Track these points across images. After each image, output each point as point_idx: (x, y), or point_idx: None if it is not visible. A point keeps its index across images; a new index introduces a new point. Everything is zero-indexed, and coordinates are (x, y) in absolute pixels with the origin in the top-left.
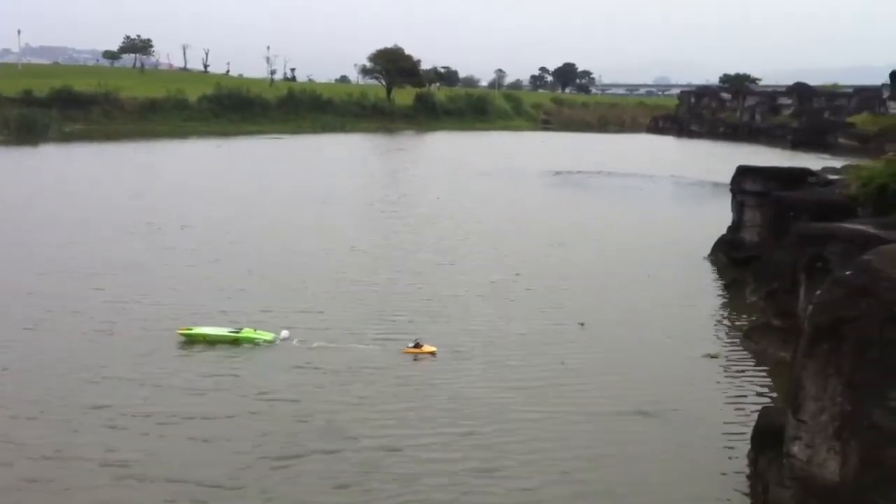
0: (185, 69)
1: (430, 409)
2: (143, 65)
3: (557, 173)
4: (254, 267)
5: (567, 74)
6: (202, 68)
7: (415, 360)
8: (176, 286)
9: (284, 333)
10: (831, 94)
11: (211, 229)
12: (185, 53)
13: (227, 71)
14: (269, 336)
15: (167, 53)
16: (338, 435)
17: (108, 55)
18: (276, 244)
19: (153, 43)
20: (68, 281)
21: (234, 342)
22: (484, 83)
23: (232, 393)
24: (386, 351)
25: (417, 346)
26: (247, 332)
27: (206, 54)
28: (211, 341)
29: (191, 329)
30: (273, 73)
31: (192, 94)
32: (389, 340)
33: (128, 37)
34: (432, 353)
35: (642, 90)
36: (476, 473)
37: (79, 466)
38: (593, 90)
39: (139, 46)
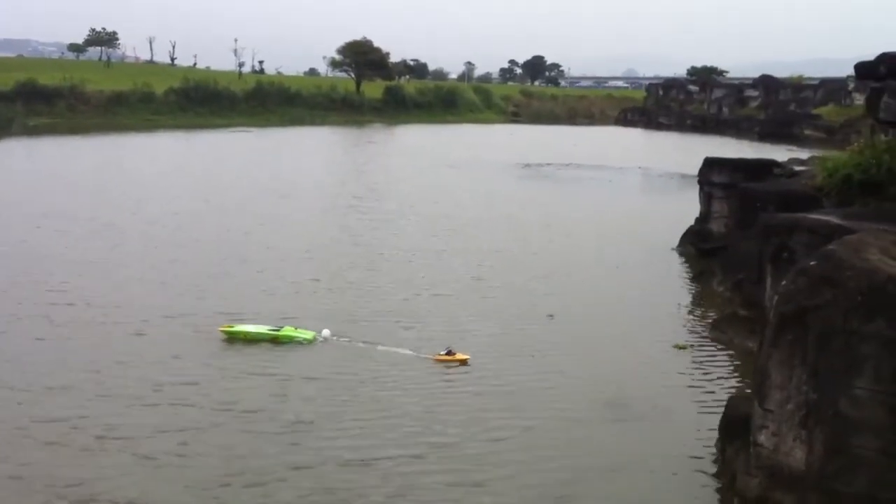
0: (151, 62)
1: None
2: (108, 58)
3: (527, 166)
4: (249, 262)
5: (536, 67)
6: (169, 61)
7: (447, 367)
8: (149, 281)
9: (325, 332)
10: (797, 86)
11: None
12: (151, 46)
13: (195, 64)
14: (309, 335)
15: (133, 46)
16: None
17: (74, 48)
18: (252, 241)
19: (119, 36)
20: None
21: (274, 340)
22: (453, 76)
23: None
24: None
25: (450, 353)
26: (287, 331)
27: (173, 47)
28: (251, 339)
29: (232, 327)
30: (241, 65)
31: (159, 88)
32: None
33: (93, 29)
34: (464, 362)
35: (611, 83)
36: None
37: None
38: (562, 83)
39: (105, 39)
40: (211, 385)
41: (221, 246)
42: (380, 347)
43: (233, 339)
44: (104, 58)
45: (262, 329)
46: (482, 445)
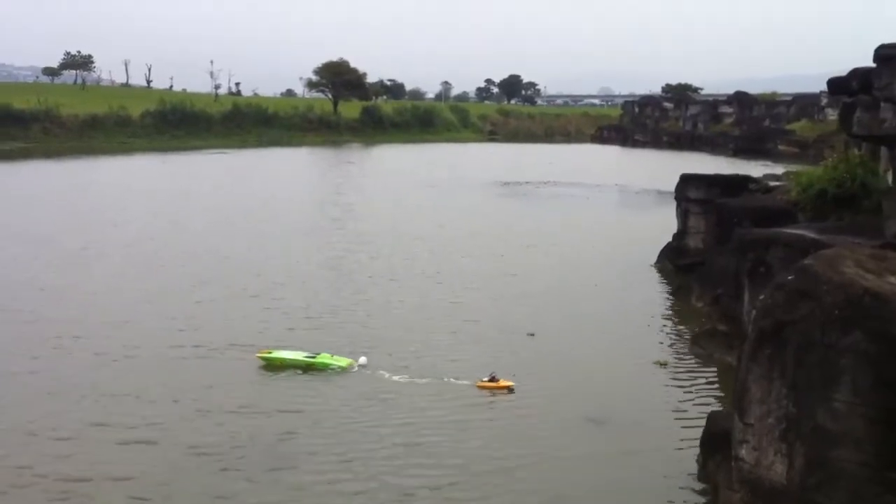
0: (127, 85)
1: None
2: (84, 81)
3: (505, 184)
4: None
5: (513, 86)
6: (145, 83)
7: (492, 395)
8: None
9: (363, 360)
10: (770, 102)
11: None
12: (126, 69)
13: (171, 86)
14: (344, 363)
15: (109, 69)
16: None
17: (48, 72)
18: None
19: (94, 58)
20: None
21: (309, 367)
22: (430, 95)
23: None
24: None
25: (493, 380)
26: (323, 358)
27: (149, 69)
28: (287, 366)
29: (270, 352)
30: (217, 87)
31: (135, 110)
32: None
33: (68, 53)
34: (509, 388)
35: (587, 100)
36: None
37: None
38: (539, 101)
39: (80, 62)
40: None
41: (202, 272)
42: (397, 377)
43: (270, 364)
44: (79, 81)
45: (298, 355)
46: (461, 464)
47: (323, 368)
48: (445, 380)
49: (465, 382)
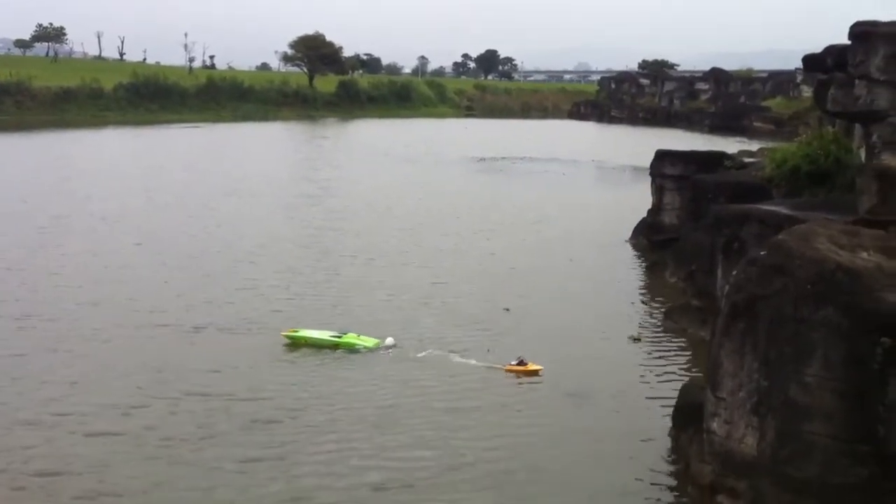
0: (100, 57)
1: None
2: (56, 53)
3: (481, 160)
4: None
5: (489, 61)
6: (118, 56)
7: (518, 378)
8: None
9: (389, 340)
10: (746, 79)
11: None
12: (99, 41)
13: (144, 59)
14: (370, 343)
15: (81, 41)
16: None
17: (20, 44)
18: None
19: (66, 31)
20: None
21: (335, 347)
22: (407, 70)
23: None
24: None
25: (521, 363)
26: (349, 338)
27: (122, 42)
28: (313, 345)
29: (296, 331)
30: (192, 60)
31: (108, 83)
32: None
33: (40, 25)
34: (536, 373)
35: (564, 76)
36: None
37: None
38: (516, 77)
39: (52, 34)
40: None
41: (174, 250)
42: (429, 352)
43: (295, 344)
44: (51, 53)
45: (324, 335)
46: (444, 441)
47: (349, 348)
48: (455, 358)
49: (471, 361)
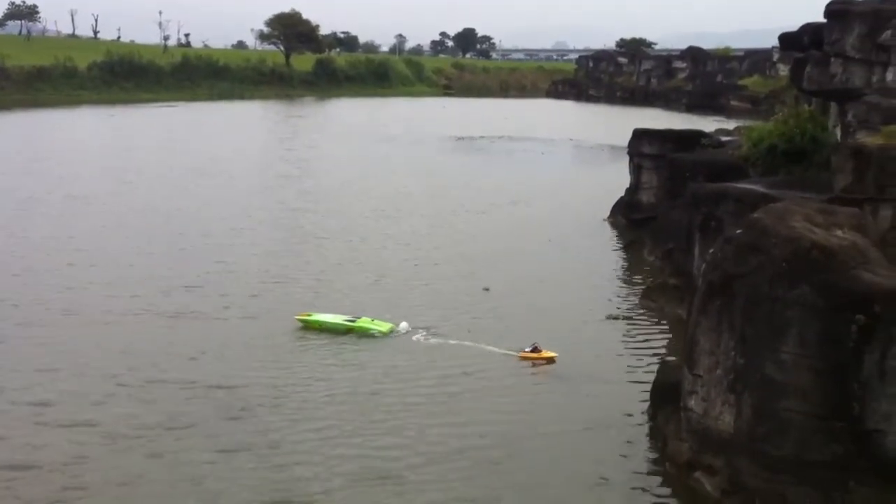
0: (73, 36)
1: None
2: (29, 32)
3: (459, 139)
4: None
5: (467, 39)
6: (92, 35)
7: (532, 366)
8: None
9: (403, 325)
10: (724, 58)
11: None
12: (73, 19)
13: (118, 37)
14: (384, 327)
15: (54, 20)
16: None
17: None
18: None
19: (39, 9)
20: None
21: (349, 331)
22: (384, 48)
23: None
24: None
25: (536, 350)
26: (363, 322)
27: (96, 20)
28: (326, 329)
29: (309, 315)
30: (166, 39)
31: (82, 62)
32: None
33: (12, 3)
34: (551, 360)
35: (541, 55)
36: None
37: None
38: (494, 55)
39: (24, 13)
40: None
41: (146, 231)
42: (451, 342)
43: (308, 327)
44: (24, 32)
45: (338, 319)
46: (421, 420)
47: (363, 332)
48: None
49: (486, 347)
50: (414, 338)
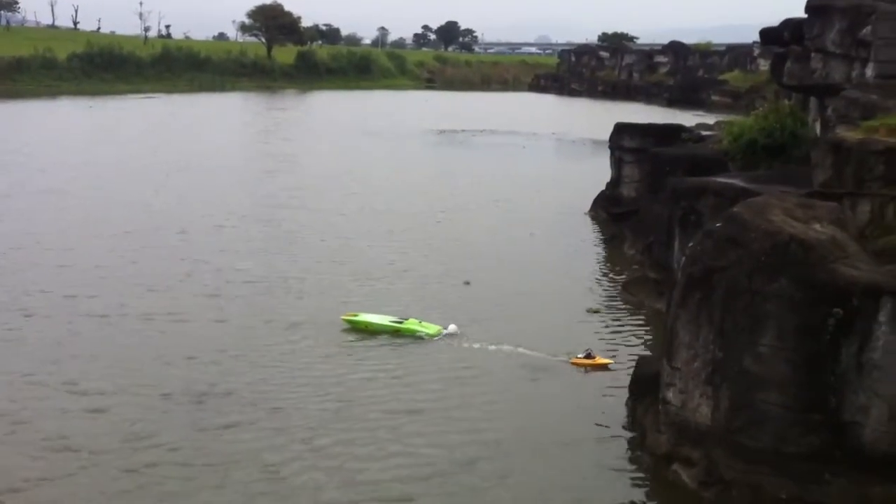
0: (53, 26)
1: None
2: (8, 22)
3: (442, 132)
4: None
5: (450, 33)
6: (72, 25)
7: (585, 372)
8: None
9: (452, 328)
10: (705, 53)
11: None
12: (53, 10)
13: (98, 28)
14: (432, 330)
15: (34, 10)
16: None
17: None
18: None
19: None
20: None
21: (396, 332)
22: (367, 41)
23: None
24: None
25: (589, 356)
26: (410, 324)
27: (76, 10)
28: (373, 330)
29: (355, 315)
30: (147, 30)
31: (62, 53)
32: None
33: None
34: (606, 366)
35: (524, 49)
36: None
37: None
38: (476, 49)
39: (3, 3)
40: None
41: (125, 226)
42: (504, 347)
43: (355, 328)
44: (3, 22)
45: (384, 320)
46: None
47: (410, 335)
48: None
49: (532, 352)
50: (465, 344)
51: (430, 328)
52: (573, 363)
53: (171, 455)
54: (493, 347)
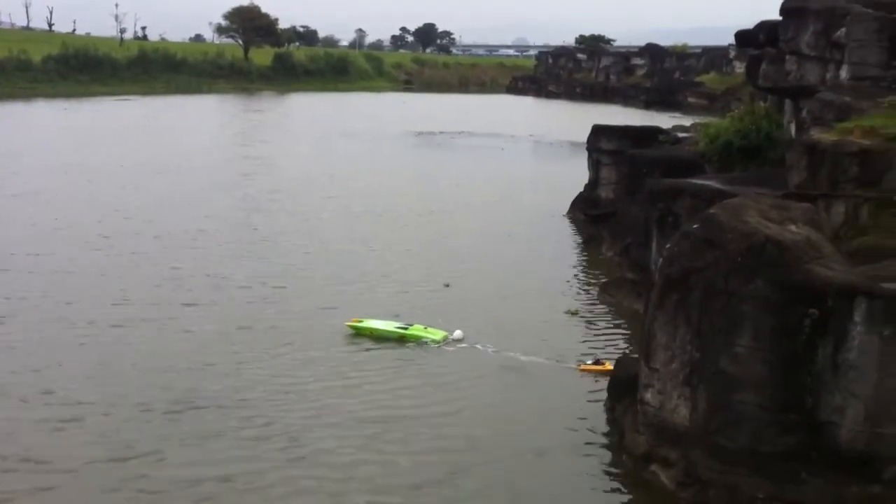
0: (28, 28)
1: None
2: None
3: (420, 134)
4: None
5: (428, 34)
6: (47, 27)
7: (595, 380)
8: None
9: (457, 334)
10: (681, 55)
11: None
12: (27, 11)
13: (74, 30)
14: (438, 336)
15: (8, 12)
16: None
17: None
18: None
19: None
20: None
21: (401, 339)
22: (344, 43)
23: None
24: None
25: (598, 363)
26: (415, 330)
27: (51, 12)
28: (377, 336)
29: (360, 321)
30: (123, 31)
31: (37, 55)
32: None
33: None
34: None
35: (502, 51)
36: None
37: None
38: (454, 51)
39: None
40: None
41: (101, 231)
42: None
43: (359, 334)
44: None
45: (390, 326)
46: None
47: (415, 341)
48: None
49: (538, 359)
50: (479, 346)
51: (435, 334)
52: (582, 370)
53: (151, 468)
54: (492, 351)
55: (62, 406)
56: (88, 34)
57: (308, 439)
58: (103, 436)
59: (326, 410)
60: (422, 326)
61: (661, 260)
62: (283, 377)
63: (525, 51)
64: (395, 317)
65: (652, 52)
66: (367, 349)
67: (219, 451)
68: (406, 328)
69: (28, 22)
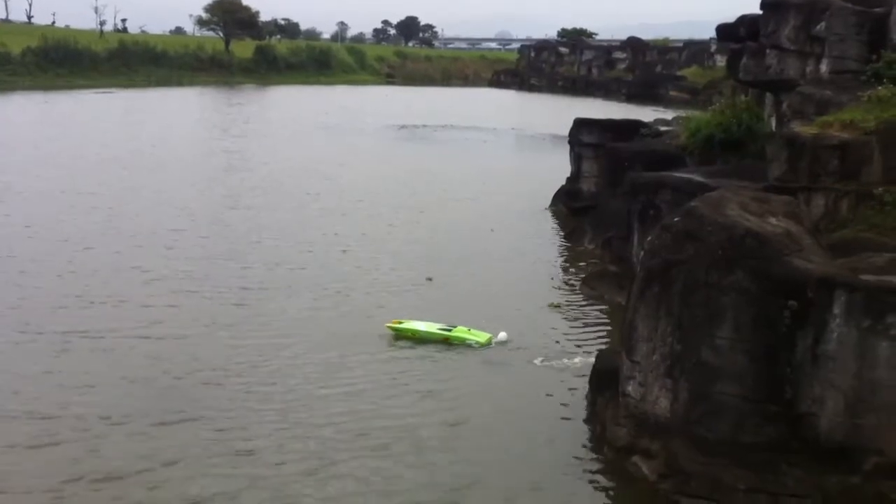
0: (6, 20)
1: None
2: None
3: (402, 127)
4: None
5: (410, 28)
6: (25, 19)
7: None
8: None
9: (502, 336)
10: (663, 49)
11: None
12: (6, 4)
13: (53, 22)
14: (482, 338)
15: None
16: None
17: None
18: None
19: None
20: None
21: (445, 341)
22: (326, 36)
23: None
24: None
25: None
26: (459, 331)
27: (30, 4)
28: (420, 338)
29: (401, 323)
30: (102, 24)
31: (15, 47)
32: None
33: None
34: None
35: (484, 44)
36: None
37: None
38: (436, 44)
39: None
40: None
41: (78, 230)
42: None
43: (400, 336)
44: None
45: (432, 327)
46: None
47: (459, 343)
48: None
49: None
50: (537, 361)
51: (480, 336)
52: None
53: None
54: (538, 362)
55: (35, 420)
56: (68, 27)
57: (292, 457)
58: (79, 453)
59: (321, 421)
60: (465, 328)
61: (642, 252)
62: (267, 385)
63: (507, 44)
64: (363, 313)
65: (634, 45)
66: (361, 353)
67: (201, 467)
68: (450, 329)
69: (7, 14)
